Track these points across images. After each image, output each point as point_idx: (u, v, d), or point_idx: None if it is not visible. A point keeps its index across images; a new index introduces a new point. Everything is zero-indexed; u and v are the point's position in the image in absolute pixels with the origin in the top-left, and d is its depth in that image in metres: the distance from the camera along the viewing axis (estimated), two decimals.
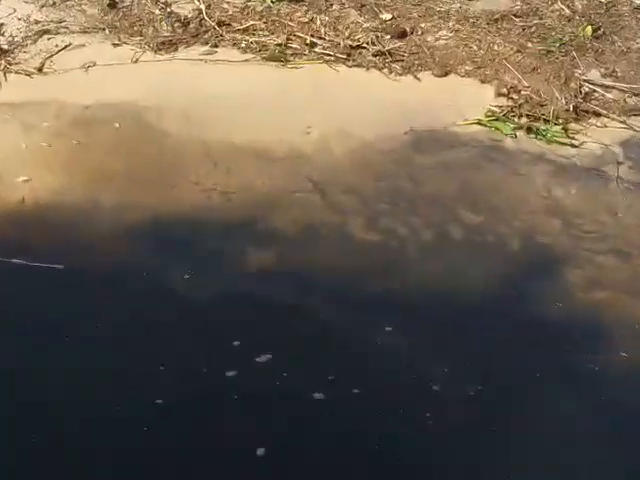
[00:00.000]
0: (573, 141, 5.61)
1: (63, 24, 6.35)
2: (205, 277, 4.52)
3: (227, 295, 4.43)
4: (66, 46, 6.09)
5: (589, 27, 6.46)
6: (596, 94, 6.01)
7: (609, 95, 5.98)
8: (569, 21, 6.65)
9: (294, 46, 6.29)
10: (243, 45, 6.29)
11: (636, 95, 5.98)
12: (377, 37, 6.37)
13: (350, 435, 3.77)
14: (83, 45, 6.20)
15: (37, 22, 6.27)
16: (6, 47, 6.01)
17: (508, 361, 4.15)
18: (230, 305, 4.39)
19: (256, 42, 6.30)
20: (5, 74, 5.81)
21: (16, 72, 5.86)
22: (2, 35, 6.15)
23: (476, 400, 3.91)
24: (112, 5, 6.46)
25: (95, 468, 3.53)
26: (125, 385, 3.88)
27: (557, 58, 6.30)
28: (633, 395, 4.03)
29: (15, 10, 6.40)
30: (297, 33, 6.39)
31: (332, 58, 6.28)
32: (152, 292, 4.47)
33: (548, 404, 3.96)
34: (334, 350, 4.21)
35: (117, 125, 5.57)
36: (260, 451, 3.52)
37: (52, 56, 6.02)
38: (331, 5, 6.66)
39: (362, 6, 6.66)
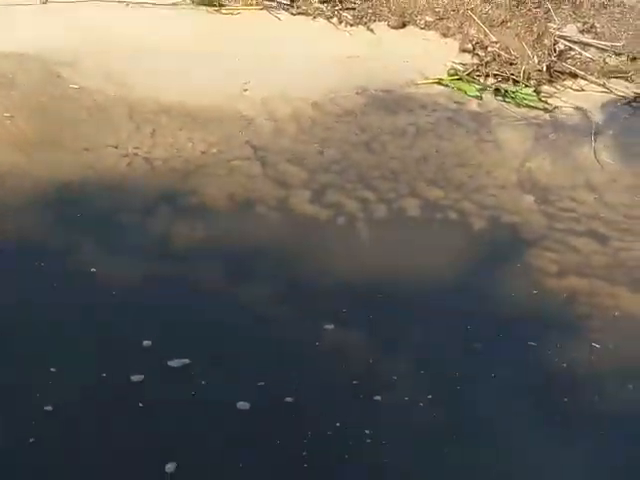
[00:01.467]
0: (546, 105, 5.47)
1: None
2: (117, 262, 4.13)
3: (143, 285, 4.08)
4: None
5: None
6: (572, 52, 5.92)
7: (587, 54, 5.92)
8: None
9: None
10: None
11: (617, 55, 5.93)
12: None
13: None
14: None
15: None
16: None
17: (466, 361, 3.92)
18: (143, 297, 4.01)
19: None
20: None
21: None
22: None
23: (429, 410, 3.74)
24: None
25: None
26: (8, 390, 3.50)
27: (529, 10, 6.21)
28: (600, 395, 3.82)
29: None
30: None
31: (273, 4, 6.20)
32: (47, 282, 4.09)
33: (509, 407, 3.74)
34: (266, 350, 3.83)
35: (22, 78, 5.28)
36: (169, 467, 3.21)
37: None
38: None
39: None
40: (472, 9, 6.25)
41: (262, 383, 3.74)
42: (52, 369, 3.70)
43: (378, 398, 3.79)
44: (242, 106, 5.38)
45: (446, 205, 4.82)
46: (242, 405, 3.59)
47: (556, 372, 4.09)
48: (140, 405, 3.60)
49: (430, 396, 3.81)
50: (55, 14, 6.15)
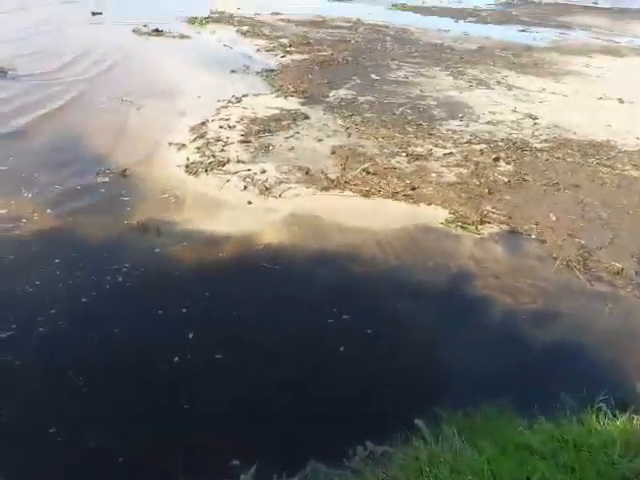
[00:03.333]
0: (480, 232, 9.20)
1: (287, 179, 10.61)
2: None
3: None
4: (289, 187, 10.23)
5: (487, 189, 10.55)
6: (490, 214, 9.67)
7: (494, 215, 9.68)
8: (478, 186, 10.71)
9: (373, 191, 10.19)
10: (353, 189, 10.21)
11: (504, 216, 9.53)
12: (404, 189, 10.33)
13: None
14: (296, 187, 10.34)
15: (277, 178, 10.59)
16: (268, 187, 10.21)
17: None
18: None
19: (357, 189, 10.23)
20: (268, 198, 9.88)
21: (272, 197, 9.99)
22: (267, 182, 10.31)
23: None
24: (307, 173, 10.70)
25: None
26: None
27: (475, 201, 10.17)
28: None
29: (270, 173, 10.72)
30: (374, 186, 10.29)
31: (390, 195, 10.08)
32: None
33: None
34: None
35: (307, 220, 8.91)
36: None
37: (284, 192, 10.10)
38: (386, 177, 10.73)
39: (398, 177, 10.71)
40: (453, 200, 9.90)
41: None
42: None
43: None
44: (375, 228, 8.83)
45: (444, 265, 8.21)
46: None
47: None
48: None
49: None
50: (318, 197, 9.81)
